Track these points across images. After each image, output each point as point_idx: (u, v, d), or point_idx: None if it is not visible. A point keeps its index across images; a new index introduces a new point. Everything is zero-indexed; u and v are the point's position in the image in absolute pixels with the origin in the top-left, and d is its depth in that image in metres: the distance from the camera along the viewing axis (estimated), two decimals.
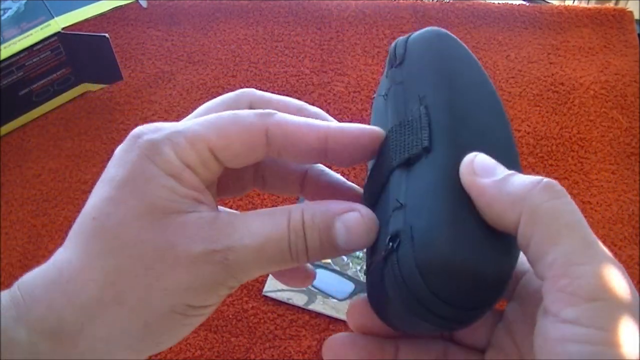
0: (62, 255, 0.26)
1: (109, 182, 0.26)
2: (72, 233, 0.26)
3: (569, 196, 0.23)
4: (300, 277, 0.32)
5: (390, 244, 0.24)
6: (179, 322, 0.26)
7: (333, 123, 0.28)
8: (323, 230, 0.26)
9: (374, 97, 0.34)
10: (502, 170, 0.24)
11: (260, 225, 0.26)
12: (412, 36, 0.31)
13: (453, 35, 0.31)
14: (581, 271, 0.21)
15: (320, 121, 0.28)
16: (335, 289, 0.57)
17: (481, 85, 0.29)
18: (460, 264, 0.23)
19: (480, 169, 0.24)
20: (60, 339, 0.24)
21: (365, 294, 0.28)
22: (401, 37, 0.32)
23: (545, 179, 0.23)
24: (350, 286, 0.57)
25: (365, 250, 0.28)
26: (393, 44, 0.32)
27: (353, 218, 0.26)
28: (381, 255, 0.25)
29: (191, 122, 0.27)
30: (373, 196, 0.29)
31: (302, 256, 0.26)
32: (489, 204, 0.24)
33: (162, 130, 0.26)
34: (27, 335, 0.24)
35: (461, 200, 0.24)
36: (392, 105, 0.30)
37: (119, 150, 0.27)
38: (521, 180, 0.23)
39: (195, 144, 0.26)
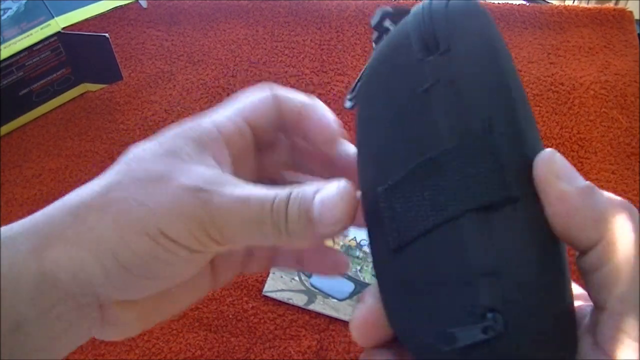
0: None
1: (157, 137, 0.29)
2: None
3: None
4: (328, 262, 0.32)
5: (483, 329, 0.21)
6: (151, 251, 0.26)
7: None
8: (302, 203, 0.26)
9: (361, 75, 0.28)
10: (581, 179, 0.23)
11: (253, 187, 0.27)
12: (452, 9, 0.25)
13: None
14: None
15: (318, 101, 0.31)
16: (335, 289, 0.57)
17: (522, 88, 0.25)
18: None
19: (563, 172, 0.22)
20: (40, 239, 0.26)
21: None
22: (435, 2, 0.25)
23: (627, 203, 0.22)
24: (350, 286, 0.57)
25: (369, 251, 0.26)
26: (422, 9, 0.25)
27: (328, 189, 0.26)
28: (470, 338, 0.21)
29: (223, 107, 0.30)
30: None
31: (281, 224, 0.26)
32: (568, 214, 0.22)
33: (208, 115, 0.30)
34: (14, 232, 0.26)
35: (557, 266, 0.22)
36: (443, 113, 0.23)
37: None
38: (606, 197, 0.22)
39: (232, 118, 0.30)
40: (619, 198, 0.23)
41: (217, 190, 0.26)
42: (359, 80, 0.29)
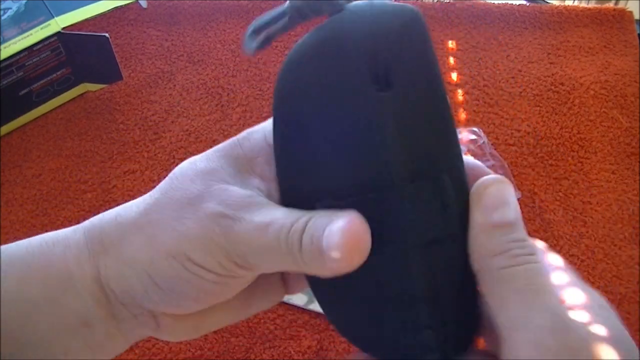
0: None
1: (207, 152, 0.29)
2: None
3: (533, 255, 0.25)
4: None
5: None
6: (179, 274, 0.26)
7: None
8: (315, 233, 0.25)
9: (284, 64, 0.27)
10: (508, 210, 0.25)
11: (278, 211, 0.26)
12: (399, 35, 0.24)
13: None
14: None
15: None
16: None
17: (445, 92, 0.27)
18: None
19: (486, 209, 0.26)
20: (96, 246, 0.27)
21: None
22: (380, 23, 0.24)
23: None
24: None
25: None
26: (367, 31, 0.24)
27: (336, 221, 0.25)
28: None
29: None
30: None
31: (295, 250, 0.25)
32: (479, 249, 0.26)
33: (262, 124, 0.29)
34: (77, 235, 0.28)
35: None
36: (394, 153, 0.25)
37: None
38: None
39: None
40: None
41: (239, 216, 0.26)
42: (266, 39, 0.28)
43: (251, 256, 0.26)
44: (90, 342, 0.28)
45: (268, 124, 0.29)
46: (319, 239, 0.25)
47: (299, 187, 0.27)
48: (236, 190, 0.27)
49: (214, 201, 0.26)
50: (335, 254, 0.24)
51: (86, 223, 0.29)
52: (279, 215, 0.26)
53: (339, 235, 0.24)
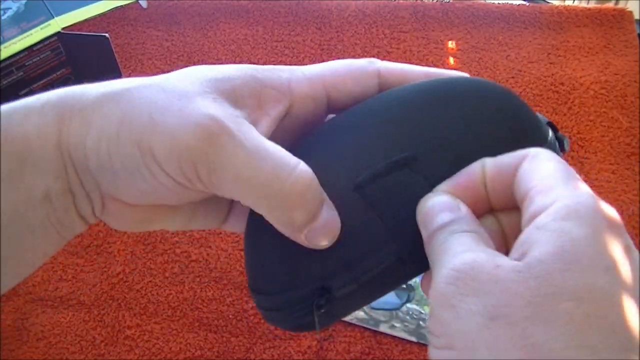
0: None
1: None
2: None
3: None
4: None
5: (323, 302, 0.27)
6: (135, 163, 0.25)
7: (434, 69, 0.31)
8: (318, 199, 0.26)
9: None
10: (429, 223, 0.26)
11: (273, 146, 0.26)
12: None
13: None
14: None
15: (421, 67, 0.31)
16: None
17: None
18: None
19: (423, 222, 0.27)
20: (64, 110, 0.26)
21: None
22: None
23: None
24: None
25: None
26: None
27: (334, 213, 0.27)
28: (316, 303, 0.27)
29: (309, 66, 0.30)
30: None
31: (291, 201, 0.26)
32: None
33: (289, 67, 0.29)
34: (46, 97, 0.26)
35: None
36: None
37: None
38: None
39: (312, 79, 0.29)
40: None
41: (231, 131, 0.25)
42: None
43: (225, 176, 0.25)
44: (51, 217, 0.27)
45: (295, 70, 0.29)
46: (318, 208, 0.26)
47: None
48: (226, 106, 0.26)
49: (206, 106, 0.25)
50: (319, 234, 0.26)
51: (59, 90, 0.27)
52: (274, 149, 0.26)
53: (331, 226, 0.26)
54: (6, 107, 0.26)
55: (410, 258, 0.26)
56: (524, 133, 0.28)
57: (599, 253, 0.22)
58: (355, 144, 0.28)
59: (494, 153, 0.27)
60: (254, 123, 0.27)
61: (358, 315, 0.55)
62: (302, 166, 0.26)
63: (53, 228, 0.27)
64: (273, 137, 0.28)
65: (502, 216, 0.27)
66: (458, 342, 0.22)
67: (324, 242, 0.27)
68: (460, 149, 0.27)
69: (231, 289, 0.57)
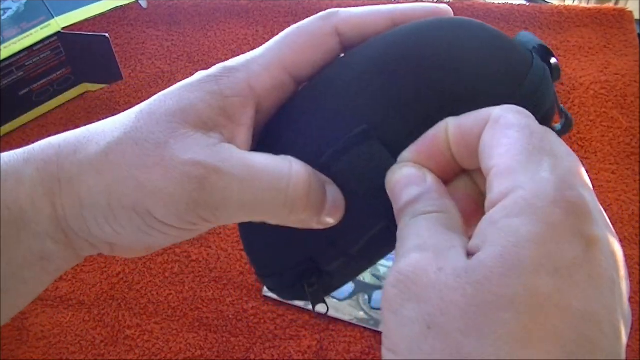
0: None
1: (181, 83, 0.28)
2: None
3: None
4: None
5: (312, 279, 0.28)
6: (137, 224, 0.25)
7: (399, 5, 0.28)
8: (321, 189, 0.26)
9: None
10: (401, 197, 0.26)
11: (259, 160, 0.25)
12: None
13: None
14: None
15: (385, 5, 0.28)
16: None
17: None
18: None
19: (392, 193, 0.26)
20: (52, 183, 0.26)
21: None
22: None
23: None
24: (350, 286, 0.57)
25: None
26: None
27: (337, 191, 0.27)
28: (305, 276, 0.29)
29: (263, 48, 0.28)
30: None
31: (299, 206, 0.25)
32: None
33: (241, 59, 0.28)
34: (30, 169, 0.26)
35: None
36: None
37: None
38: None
39: (270, 69, 0.27)
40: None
41: (216, 167, 0.25)
42: None
43: (229, 210, 0.25)
44: (49, 270, 0.27)
45: (251, 63, 0.28)
46: (323, 195, 0.26)
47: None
48: (200, 138, 0.25)
49: (182, 149, 0.25)
50: (331, 217, 0.27)
51: (39, 153, 0.27)
52: (263, 163, 0.25)
53: (338, 205, 0.26)
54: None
55: (394, 224, 0.26)
56: (498, 73, 0.26)
57: (546, 254, 0.19)
58: (316, 122, 0.27)
59: (455, 111, 0.25)
60: (231, 139, 0.27)
61: (358, 315, 0.55)
62: (295, 167, 0.26)
63: (47, 275, 0.28)
64: (255, 139, 0.28)
65: (477, 175, 0.26)
66: (399, 346, 0.21)
67: (332, 221, 0.27)
68: (419, 110, 0.26)
69: (231, 289, 0.57)
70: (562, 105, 0.28)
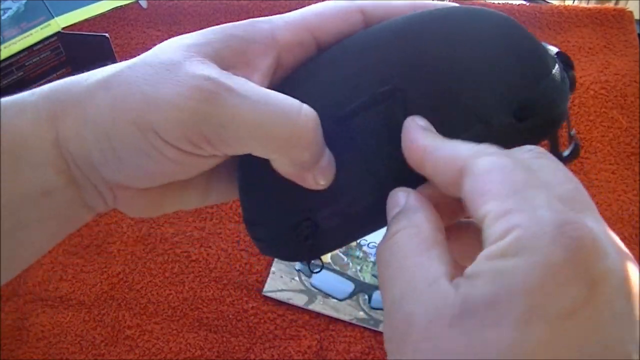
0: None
1: None
2: None
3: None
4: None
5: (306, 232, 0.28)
6: (138, 144, 0.24)
7: (423, 0, 0.29)
8: (322, 138, 0.26)
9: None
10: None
11: (272, 92, 0.25)
12: None
13: None
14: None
15: None
16: (335, 289, 0.57)
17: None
18: None
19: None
20: (56, 107, 0.25)
21: None
22: None
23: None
24: (350, 286, 0.57)
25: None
26: None
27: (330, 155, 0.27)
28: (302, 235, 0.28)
29: (291, 12, 0.29)
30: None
31: (305, 141, 0.25)
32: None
33: (268, 17, 0.28)
34: (36, 95, 0.26)
35: None
36: None
37: None
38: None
39: (294, 25, 0.28)
40: None
41: (227, 85, 0.24)
42: None
43: (235, 129, 0.24)
44: (52, 212, 0.26)
45: (277, 19, 0.28)
46: (323, 147, 0.26)
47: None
48: (216, 67, 0.25)
49: (196, 68, 0.24)
50: (322, 174, 0.26)
51: (49, 86, 0.26)
52: (275, 94, 0.25)
53: (331, 166, 0.26)
54: (2, 101, 0.25)
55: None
56: (520, 64, 0.26)
57: (541, 302, 0.18)
58: (338, 77, 0.27)
59: (483, 86, 0.25)
60: None
61: (358, 315, 0.55)
62: (306, 106, 0.25)
63: (53, 221, 0.26)
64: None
65: None
66: None
67: (323, 182, 0.26)
68: (445, 80, 0.26)
69: (231, 289, 0.57)
70: (573, 131, 0.27)
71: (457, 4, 0.29)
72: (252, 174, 0.29)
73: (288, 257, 0.30)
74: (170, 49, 0.26)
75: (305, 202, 0.28)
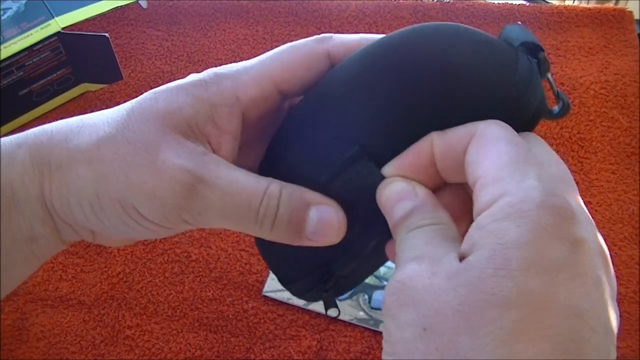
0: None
1: (172, 84, 0.29)
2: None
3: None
4: None
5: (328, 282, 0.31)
6: (121, 217, 0.27)
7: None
8: (295, 210, 0.27)
9: None
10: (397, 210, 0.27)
11: (242, 177, 0.27)
12: None
13: None
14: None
15: (376, 35, 0.29)
16: None
17: None
18: None
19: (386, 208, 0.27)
20: (42, 168, 0.27)
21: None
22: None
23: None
24: None
25: None
26: None
27: (329, 211, 0.27)
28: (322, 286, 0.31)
29: (255, 60, 0.29)
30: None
31: (267, 224, 0.27)
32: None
33: (232, 67, 0.29)
34: (22, 151, 0.28)
35: None
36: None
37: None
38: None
39: (259, 80, 0.29)
40: None
41: (204, 178, 0.26)
42: None
43: (207, 217, 0.27)
44: (36, 253, 0.29)
45: (241, 73, 0.29)
46: (302, 219, 0.27)
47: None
48: (189, 145, 0.27)
49: (173, 155, 0.26)
50: (322, 239, 0.27)
51: (32, 138, 0.28)
52: (245, 178, 0.27)
53: (335, 224, 0.27)
54: None
55: None
56: (473, 92, 0.26)
57: (534, 255, 0.20)
58: (312, 145, 0.29)
59: (438, 125, 0.26)
60: (218, 146, 0.28)
61: (358, 315, 0.55)
62: (271, 188, 0.27)
63: (36, 260, 0.29)
64: (241, 144, 0.29)
65: (463, 185, 0.26)
66: (398, 351, 0.22)
67: (329, 239, 0.28)
68: (407, 124, 0.27)
69: (231, 289, 0.57)
70: (558, 90, 0.28)
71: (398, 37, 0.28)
72: (269, 246, 0.31)
73: (313, 299, 0.33)
74: (144, 118, 0.27)
75: (320, 258, 0.30)
